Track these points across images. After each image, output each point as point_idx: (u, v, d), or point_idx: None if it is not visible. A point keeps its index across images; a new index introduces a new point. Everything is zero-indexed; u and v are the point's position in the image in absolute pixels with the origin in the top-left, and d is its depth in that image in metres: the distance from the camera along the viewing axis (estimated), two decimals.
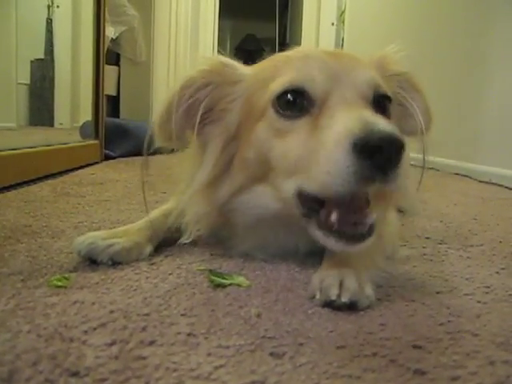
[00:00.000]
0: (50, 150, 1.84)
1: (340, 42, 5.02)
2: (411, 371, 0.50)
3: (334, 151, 0.61)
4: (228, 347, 0.52)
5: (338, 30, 5.12)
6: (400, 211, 1.18)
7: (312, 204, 0.70)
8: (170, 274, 0.76)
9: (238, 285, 0.72)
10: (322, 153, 0.63)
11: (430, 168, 2.72)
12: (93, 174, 1.91)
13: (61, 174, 1.83)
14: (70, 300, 0.63)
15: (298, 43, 5.59)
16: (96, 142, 2.30)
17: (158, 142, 0.81)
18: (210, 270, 0.77)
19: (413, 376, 0.49)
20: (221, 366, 0.48)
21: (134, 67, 3.55)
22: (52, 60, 4.37)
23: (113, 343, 0.51)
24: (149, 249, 0.85)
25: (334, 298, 0.64)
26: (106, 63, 2.46)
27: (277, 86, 0.73)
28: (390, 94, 0.77)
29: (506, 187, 2.12)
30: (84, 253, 0.78)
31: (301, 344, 0.54)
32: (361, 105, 0.69)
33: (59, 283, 0.68)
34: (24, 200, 1.31)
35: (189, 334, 0.55)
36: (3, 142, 2.69)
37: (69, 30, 4.27)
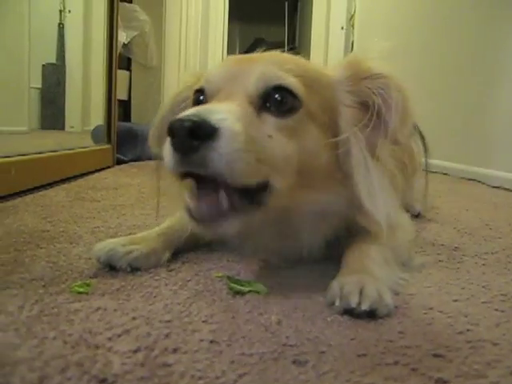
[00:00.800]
0: (63, 155, 1.86)
1: (350, 46, 5.02)
2: (433, 380, 0.50)
3: None
4: (251, 355, 0.53)
5: (347, 34, 5.12)
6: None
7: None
8: (188, 281, 0.76)
9: (257, 292, 0.73)
10: None
11: (442, 173, 2.72)
12: (106, 178, 1.93)
13: (74, 178, 1.85)
14: (92, 306, 0.64)
15: (308, 47, 5.60)
16: (108, 146, 2.31)
17: (153, 149, 0.91)
18: (229, 277, 0.78)
19: None
20: (245, 374, 0.49)
21: (145, 72, 3.57)
22: (63, 64, 4.42)
23: (137, 350, 0.52)
24: (166, 255, 0.86)
25: (354, 305, 0.64)
26: (118, 68, 2.48)
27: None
28: (289, 84, 0.74)
29: None
30: (103, 259, 0.79)
31: (322, 352, 0.55)
32: (238, 99, 0.71)
33: (81, 289, 0.69)
34: (40, 205, 1.32)
35: (211, 342, 0.55)
36: (18, 145, 2.72)
37: (80, 34, 4.31)
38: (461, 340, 0.60)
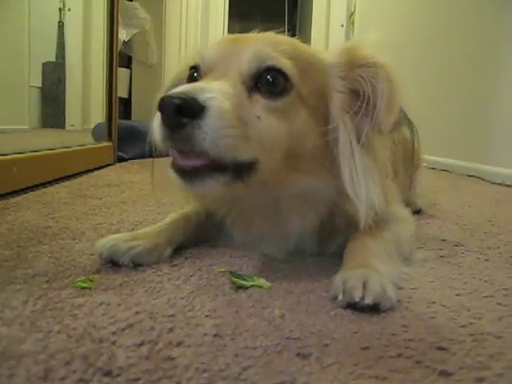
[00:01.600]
0: (65, 153, 1.86)
1: None
2: (437, 372, 0.51)
3: None
4: (255, 348, 0.53)
5: (347, 32, 5.11)
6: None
7: None
8: (191, 276, 0.77)
9: (260, 286, 0.73)
10: None
11: (443, 170, 2.72)
12: (107, 175, 1.93)
13: (75, 175, 1.85)
14: (95, 301, 0.64)
15: (308, 44, 5.58)
16: (109, 144, 2.31)
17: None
18: (231, 272, 0.78)
19: (438, 377, 0.50)
20: (249, 367, 0.49)
21: (145, 69, 3.57)
22: (63, 62, 4.42)
23: (142, 344, 0.52)
24: (168, 251, 0.86)
25: (357, 299, 0.65)
26: (118, 66, 2.47)
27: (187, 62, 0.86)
28: (281, 66, 0.75)
29: None
30: (106, 255, 0.79)
31: (326, 345, 0.55)
32: (231, 78, 0.73)
33: (84, 284, 0.70)
34: (42, 202, 1.32)
35: (215, 335, 0.55)
36: (20, 144, 2.73)
37: (80, 32, 4.31)
38: (464, 333, 0.60)
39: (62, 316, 0.58)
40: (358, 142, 0.78)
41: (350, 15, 5.12)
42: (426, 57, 3.19)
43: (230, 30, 5.96)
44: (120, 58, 2.54)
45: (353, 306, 0.66)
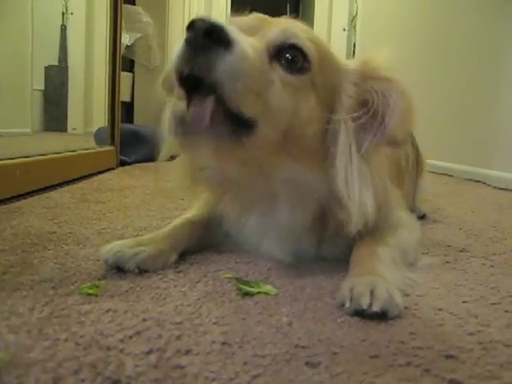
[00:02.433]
0: (68, 157, 1.87)
1: (352, 48, 5.03)
2: (446, 381, 0.50)
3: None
4: (263, 356, 0.53)
5: (349, 36, 5.13)
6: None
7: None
8: (197, 282, 0.76)
9: (266, 293, 0.73)
10: None
11: (446, 174, 2.72)
12: (110, 180, 1.93)
13: (78, 179, 1.85)
14: (102, 308, 0.63)
15: None
16: (112, 148, 2.32)
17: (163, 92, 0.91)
18: (237, 278, 0.78)
19: None
20: (258, 375, 0.49)
21: (148, 73, 3.58)
22: (66, 66, 4.43)
23: (150, 352, 0.52)
24: (174, 256, 0.86)
25: (365, 306, 0.64)
26: (121, 70, 2.48)
27: None
28: (304, 46, 0.77)
29: None
30: (111, 261, 0.79)
31: (335, 353, 0.55)
32: (258, 41, 0.74)
33: (90, 291, 0.69)
34: (46, 206, 1.32)
35: (223, 343, 0.55)
36: (23, 147, 2.73)
37: (82, 36, 4.33)
38: (472, 341, 0.60)
39: (69, 323, 0.58)
40: (359, 150, 0.79)
41: (352, 19, 5.13)
42: (428, 60, 3.20)
43: None
44: (123, 61, 2.54)
45: (360, 314, 0.65)
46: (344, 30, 5.17)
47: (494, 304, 0.74)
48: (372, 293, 0.66)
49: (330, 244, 0.90)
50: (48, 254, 0.88)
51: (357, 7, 4.93)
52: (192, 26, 0.65)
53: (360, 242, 0.86)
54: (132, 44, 3.32)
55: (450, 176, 2.71)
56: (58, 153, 1.82)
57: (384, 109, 0.79)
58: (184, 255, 0.90)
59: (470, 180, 2.55)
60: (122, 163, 2.44)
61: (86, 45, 4.32)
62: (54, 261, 0.84)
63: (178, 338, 0.56)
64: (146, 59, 3.47)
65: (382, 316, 0.65)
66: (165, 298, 0.69)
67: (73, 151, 1.96)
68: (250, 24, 0.80)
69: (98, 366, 0.48)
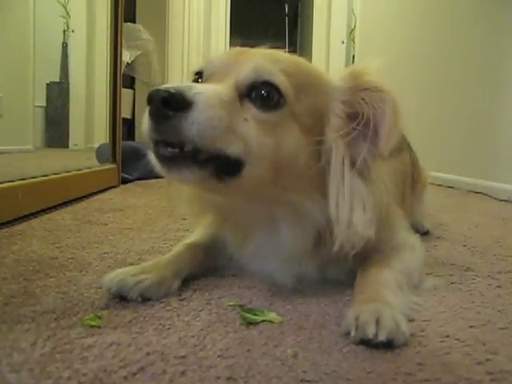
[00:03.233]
0: (70, 176, 1.87)
1: (350, 60, 5.06)
2: None
3: None
4: None
5: (348, 48, 5.16)
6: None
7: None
8: (200, 311, 0.76)
9: (270, 321, 0.72)
10: None
11: (448, 186, 2.71)
12: (112, 199, 1.93)
13: (80, 199, 1.85)
14: (105, 342, 0.63)
15: (308, 61, 5.62)
16: (113, 166, 2.32)
17: None
18: (241, 306, 0.77)
19: None
20: None
21: (148, 90, 3.59)
22: (67, 83, 4.46)
23: None
24: (176, 283, 0.85)
25: (371, 336, 0.63)
26: (122, 87, 2.49)
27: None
28: (277, 82, 0.76)
29: None
30: (114, 290, 0.78)
31: None
32: (227, 83, 0.75)
33: (93, 323, 0.69)
34: (47, 229, 1.32)
35: (228, 378, 0.54)
36: (25, 166, 2.73)
37: (83, 53, 4.37)
38: (481, 371, 0.59)
39: (71, 359, 0.58)
40: (353, 165, 0.79)
41: (351, 32, 5.17)
42: (428, 73, 3.21)
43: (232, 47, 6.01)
44: (123, 78, 2.56)
45: (366, 343, 0.64)
46: (342, 42, 5.20)
47: (502, 329, 0.73)
48: (378, 321, 0.65)
49: (333, 266, 0.89)
50: (50, 282, 0.88)
51: (355, 20, 4.96)
52: (150, 98, 0.67)
53: (364, 266, 0.85)
54: (132, 61, 3.35)
55: (453, 188, 2.70)
56: (59, 173, 1.82)
57: (375, 118, 0.78)
58: (187, 281, 0.89)
59: (473, 192, 2.54)
60: (124, 180, 2.44)
61: (87, 62, 4.35)
62: (56, 289, 0.83)
63: (183, 373, 0.55)
64: (147, 76, 3.49)
65: (388, 345, 0.64)
66: (168, 329, 0.68)
67: (75, 170, 1.96)
68: (225, 62, 0.80)
69: None
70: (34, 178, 1.60)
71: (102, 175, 2.22)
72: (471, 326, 0.74)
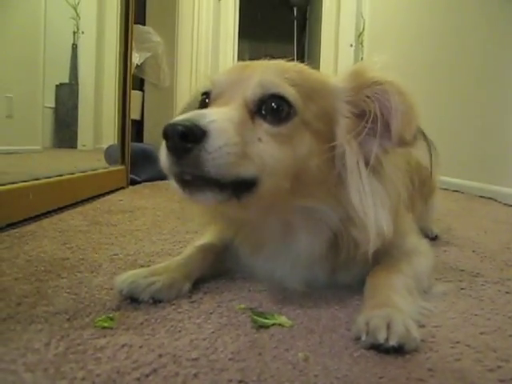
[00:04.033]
0: (80, 177, 1.88)
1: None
2: None
3: None
4: None
5: (356, 52, 5.15)
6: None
7: None
8: (211, 314, 0.76)
9: (281, 325, 0.72)
10: None
11: (455, 191, 2.70)
12: (121, 200, 1.94)
13: (89, 200, 1.86)
14: (118, 343, 0.63)
15: (317, 65, 5.63)
16: (122, 167, 2.33)
17: None
18: (252, 309, 0.77)
19: None
20: None
21: (157, 92, 3.61)
22: (77, 84, 4.49)
23: None
24: (187, 286, 0.86)
25: (382, 341, 0.64)
26: (131, 88, 2.50)
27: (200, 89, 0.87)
28: (285, 93, 0.76)
29: None
30: (126, 292, 0.79)
31: None
32: (235, 103, 0.76)
33: (105, 324, 0.69)
34: (58, 230, 1.33)
35: (240, 382, 0.55)
36: (34, 165, 2.75)
37: (93, 55, 4.40)
38: (492, 378, 0.59)
39: (85, 360, 0.58)
40: (367, 164, 0.79)
41: (359, 35, 5.16)
42: (437, 76, 3.20)
43: (240, 52, 6.03)
44: (133, 80, 2.57)
45: (377, 348, 0.65)
46: (351, 45, 5.19)
47: None
48: (388, 326, 0.65)
49: (344, 271, 0.89)
50: (62, 282, 0.88)
51: (364, 23, 4.96)
52: (166, 133, 0.68)
53: (374, 271, 0.86)
54: (142, 63, 3.36)
55: (461, 192, 2.69)
56: (69, 173, 1.83)
57: (384, 112, 0.78)
58: (197, 283, 0.89)
59: (481, 197, 2.53)
60: (132, 182, 2.45)
61: (97, 63, 4.39)
62: (68, 290, 0.84)
63: (195, 376, 0.56)
64: (156, 78, 3.51)
65: (398, 350, 0.64)
66: (180, 331, 0.69)
67: (84, 171, 1.97)
68: (230, 80, 0.80)
69: None
70: (44, 178, 1.61)
71: (111, 176, 2.23)
72: (482, 333, 0.74)
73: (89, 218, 1.52)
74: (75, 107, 4.46)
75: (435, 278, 1.00)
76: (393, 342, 0.64)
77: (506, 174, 2.42)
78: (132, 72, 2.55)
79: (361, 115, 0.80)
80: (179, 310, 0.77)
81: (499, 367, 0.62)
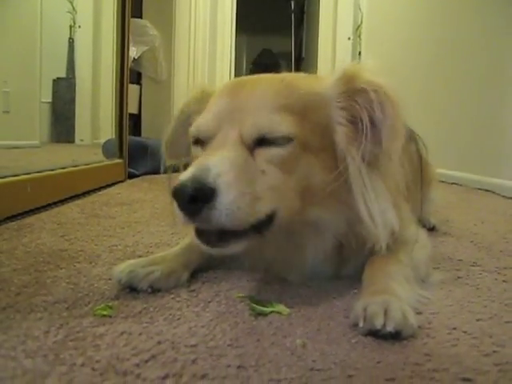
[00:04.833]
0: (78, 171, 1.88)
1: (357, 56, 5.04)
2: None
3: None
4: (279, 381, 0.53)
5: (354, 45, 5.14)
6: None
7: None
8: (209, 302, 0.76)
9: (279, 313, 0.73)
10: None
11: (453, 183, 2.71)
12: (119, 193, 1.94)
13: (87, 193, 1.86)
14: (117, 330, 0.64)
15: (314, 58, 5.63)
16: (120, 161, 2.33)
17: (167, 162, 1.00)
18: (250, 297, 0.78)
19: None
20: None
21: (155, 86, 3.61)
22: (74, 79, 4.48)
23: (166, 377, 0.52)
24: (186, 275, 0.86)
25: (379, 327, 0.64)
26: (129, 82, 2.50)
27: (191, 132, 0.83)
28: (280, 129, 0.75)
29: None
30: (124, 281, 0.80)
31: (350, 376, 0.55)
32: (232, 145, 0.74)
33: (104, 312, 0.70)
34: (56, 222, 1.33)
35: (239, 367, 0.55)
36: (32, 160, 2.75)
37: (90, 49, 4.38)
38: (488, 362, 0.59)
39: (84, 347, 0.59)
40: (370, 165, 0.79)
41: (357, 28, 5.15)
42: (434, 68, 3.20)
43: (238, 45, 6.01)
44: (130, 74, 2.56)
45: (374, 334, 0.65)
46: (349, 38, 5.18)
47: (509, 322, 0.74)
48: (386, 313, 0.66)
49: (346, 264, 0.90)
50: (60, 273, 0.89)
51: (362, 16, 4.94)
52: (176, 198, 0.68)
53: (372, 260, 0.86)
54: (139, 57, 3.36)
55: (459, 185, 2.70)
56: (67, 167, 1.83)
57: (374, 121, 0.77)
58: (196, 273, 0.90)
59: (479, 189, 2.54)
60: (131, 176, 2.45)
61: (94, 57, 4.37)
62: (67, 280, 0.84)
63: (194, 361, 0.56)
64: (153, 71, 3.50)
65: (396, 336, 0.65)
66: (178, 319, 0.69)
67: (82, 165, 1.97)
68: (218, 122, 0.78)
69: None
70: (42, 171, 1.61)
71: (109, 170, 2.23)
72: (478, 320, 0.74)
73: (87, 211, 1.52)
74: (72, 102, 4.45)
75: (433, 267, 1.00)
76: (390, 328, 0.64)
77: (505, 167, 2.42)
78: (129, 66, 2.55)
79: (355, 121, 0.79)
80: (178, 298, 0.78)
81: (495, 352, 0.63)
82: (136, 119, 3.55)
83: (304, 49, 7.11)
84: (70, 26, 4.28)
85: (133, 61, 3.15)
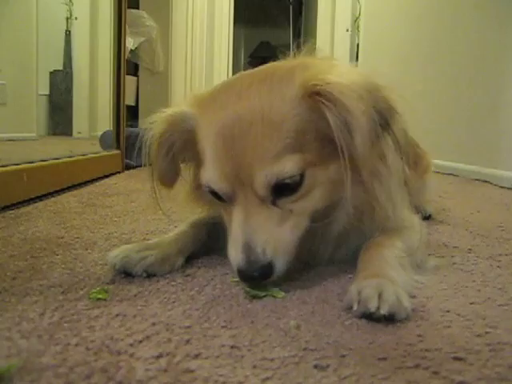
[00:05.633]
0: (74, 161, 1.88)
1: (355, 49, 5.03)
2: (455, 383, 0.50)
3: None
4: (272, 359, 0.53)
5: (352, 36, 5.13)
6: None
7: None
8: (205, 286, 0.77)
9: (274, 296, 0.73)
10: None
11: (450, 174, 2.71)
12: (116, 184, 1.94)
13: (84, 184, 1.86)
14: (111, 313, 0.64)
15: (313, 50, 5.59)
16: (118, 152, 2.33)
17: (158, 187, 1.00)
18: None
19: None
20: (267, 379, 0.49)
21: (152, 77, 3.60)
22: (71, 71, 4.46)
23: (160, 356, 0.52)
24: (181, 260, 0.87)
25: (373, 310, 0.64)
26: (126, 73, 2.49)
27: (201, 181, 0.82)
28: (291, 175, 0.74)
29: None
30: (119, 266, 0.80)
31: (343, 356, 0.55)
32: (257, 206, 0.76)
33: (99, 296, 0.70)
34: (53, 211, 1.33)
35: (232, 347, 0.56)
36: (29, 152, 2.75)
37: (87, 41, 4.36)
38: (480, 343, 0.60)
39: (79, 328, 0.59)
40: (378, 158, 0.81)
41: (355, 20, 5.13)
42: (432, 59, 3.19)
43: (236, 37, 5.99)
44: (127, 65, 2.55)
45: (368, 316, 0.65)
46: (347, 30, 5.17)
47: (502, 305, 0.74)
48: (380, 296, 0.66)
49: (343, 247, 0.90)
50: (56, 259, 0.89)
51: (360, 8, 4.93)
52: (244, 280, 0.75)
53: (367, 245, 0.86)
54: (136, 48, 3.34)
55: (456, 176, 2.70)
56: (64, 157, 1.83)
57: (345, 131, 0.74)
58: (191, 259, 0.90)
59: (476, 180, 2.54)
60: (128, 167, 2.45)
61: (91, 49, 4.35)
62: (63, 266, 0.85)
63: (188, 342, 0.56)
64: (150, 63, 3.49)
65: (389, 319, 0.65)
66: (173, 302, 0.69)
67: (79, 155, 1.97)
68: (233, 171, 0.75)
69: (109, 371, 0.49)
70: (39, 161, 1.61)
71: (107, 161, 2.23)
72: (472, 303, 0.75)
73: (84, 200, 1.52)
74: (70, 94, 4.44)
75: (428, 253, 1.00)
76: (384, 311, 0.65)
77: (501, 157, 2.43)
78: (126, 57, 2.54)
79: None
80: (173, 283, 0.78)
81: (487, 333, 0.63)
82: (133, 111, 3.54)
83: (302, 41, 7.08)
84: (67, 18, 4.26)
85: (130, 52, 3.14)
